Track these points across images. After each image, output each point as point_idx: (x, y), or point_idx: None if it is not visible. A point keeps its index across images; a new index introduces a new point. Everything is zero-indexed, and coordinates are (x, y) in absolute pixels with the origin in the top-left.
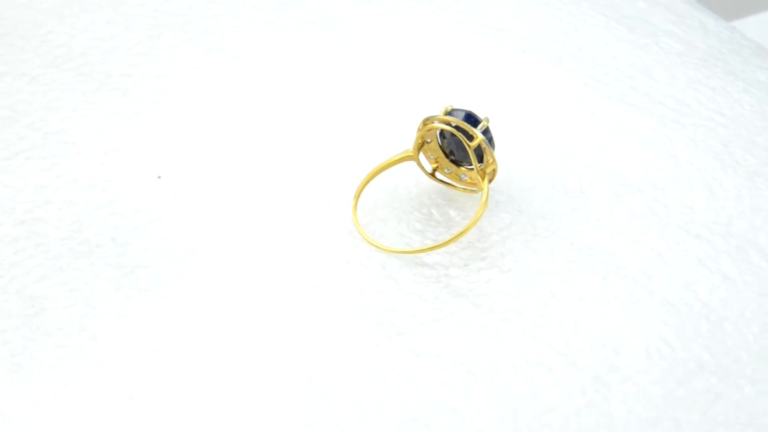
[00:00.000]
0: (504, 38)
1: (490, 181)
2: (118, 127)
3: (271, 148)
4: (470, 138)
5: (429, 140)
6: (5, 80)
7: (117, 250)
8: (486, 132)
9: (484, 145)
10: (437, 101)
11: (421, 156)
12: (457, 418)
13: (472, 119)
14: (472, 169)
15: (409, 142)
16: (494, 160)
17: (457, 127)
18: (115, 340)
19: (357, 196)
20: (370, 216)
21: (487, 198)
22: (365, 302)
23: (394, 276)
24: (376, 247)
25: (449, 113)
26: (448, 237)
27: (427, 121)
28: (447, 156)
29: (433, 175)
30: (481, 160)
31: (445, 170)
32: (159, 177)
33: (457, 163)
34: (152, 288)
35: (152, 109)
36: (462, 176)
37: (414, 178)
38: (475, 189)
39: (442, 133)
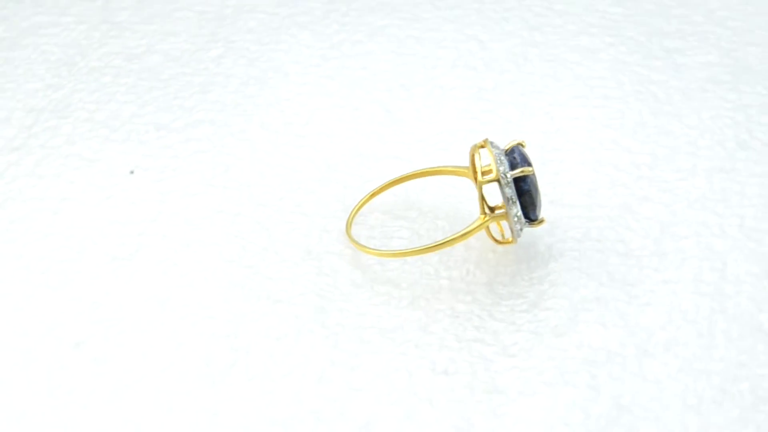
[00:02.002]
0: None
1: (510, 239)
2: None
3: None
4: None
5: None
6: None
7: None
8: (521, 181)
9: (502, 190)
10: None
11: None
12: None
13: (516, 162)
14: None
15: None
16: (507, 215)
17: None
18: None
19: (388, 185)
20: (386, 206)
21: (469, 233)
22: (244, 275)
23: (326, 265)
24: (348, 235)
25: (509, 150)
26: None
27: (483, 143)
28: None
29: (492, 209)
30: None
31: None
32: (132, 172)
33: (525, 209)
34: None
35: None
36: (516, 225)
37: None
38: (503, 240)
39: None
